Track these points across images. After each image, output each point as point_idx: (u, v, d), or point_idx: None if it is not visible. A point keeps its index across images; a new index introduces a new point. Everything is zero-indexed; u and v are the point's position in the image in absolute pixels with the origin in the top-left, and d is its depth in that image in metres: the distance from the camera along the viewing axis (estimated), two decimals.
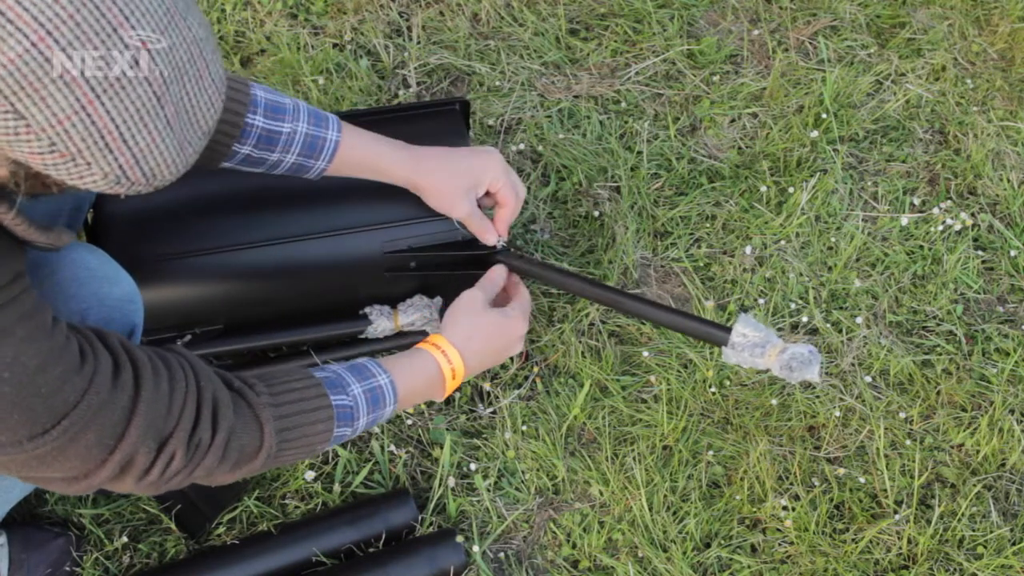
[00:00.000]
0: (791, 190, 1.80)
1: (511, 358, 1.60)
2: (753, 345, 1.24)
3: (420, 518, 1.47)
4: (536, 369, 1.62)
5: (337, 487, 1.50)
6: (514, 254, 1.47)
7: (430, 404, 1.58)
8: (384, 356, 1.25)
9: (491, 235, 1.41)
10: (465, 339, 1.30)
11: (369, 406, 1.18)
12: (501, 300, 1.41)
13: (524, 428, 1.57)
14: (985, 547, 1.52)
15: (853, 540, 1.51)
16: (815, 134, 1.86)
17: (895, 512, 1.53)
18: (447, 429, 1.56)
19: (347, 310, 1.50)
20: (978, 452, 1.60)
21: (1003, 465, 1.60)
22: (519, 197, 1.42)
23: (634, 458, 1.55)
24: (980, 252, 1.80)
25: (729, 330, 1.26)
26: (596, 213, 1.77)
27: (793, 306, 1.70)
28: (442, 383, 1.27)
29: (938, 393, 1.65)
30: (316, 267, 1.42)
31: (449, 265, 1.46)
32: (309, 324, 1.49)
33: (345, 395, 1.16)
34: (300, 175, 1.31)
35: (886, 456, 1.57)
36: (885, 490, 1.55)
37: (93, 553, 1.42)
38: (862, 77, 1.95)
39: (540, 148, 1.83)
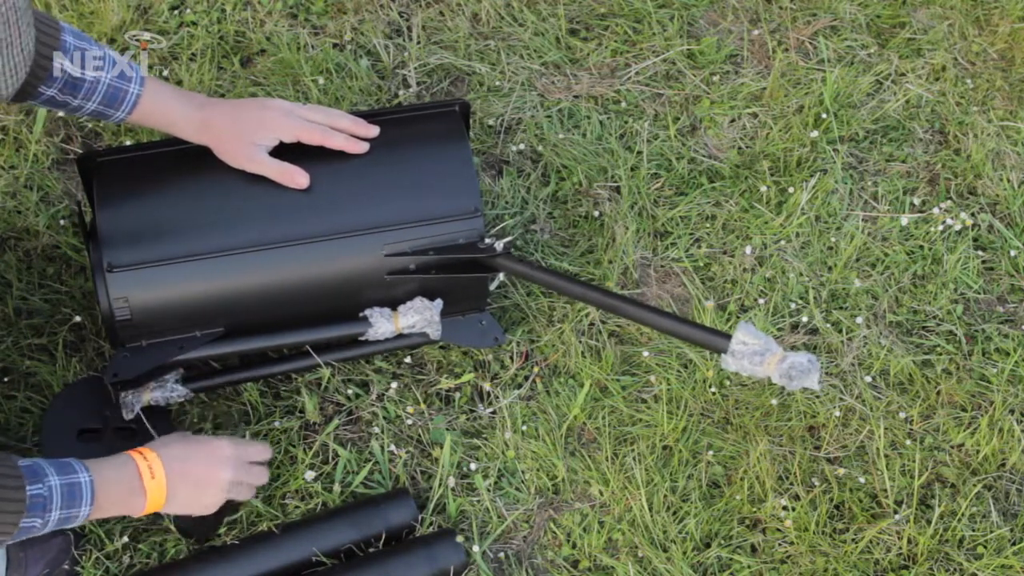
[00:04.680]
0: (791, 190, 1.80)
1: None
2: (753, 353, 1.24)
3: (420, 518, 1.47)
4: (536, 369, 1.62)
5: (337, 487, 1.50)
6: (513, 257, 1.47)
7: (429, 404, 1.58)
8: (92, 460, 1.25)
9: (300, 178, 1.40)
10: (165, 446, 1.31)
11: (64, 500, 1.18)
12: None
13: (524, 428, 1.57)
14: (985, 547, 1.52)
15: (853, 540, 1.51)
16: (815, 134, 1.86)
17: (895, 512, 1.53)
18: (447, 429, 1.56)
19: (348, 313, 1.49)
20: (978, 452, 1.60)
21: (1003, 465, 1.60)
22: (327, 125, 1.42)
23: (634, 458, 1.55)
24: (980, 252, 1.80)
25: (729, 337, 1.27)
26: (596, 213, 1.77)
27: (793, 306, 1.70)
28: (140, 482, 1.26)
29: (938, 393, 1.65)
30: (317, 270, 1.42)
31: (450, 268, 1.46)
32: (310, 327, 1.49)
33: (41, 484, 1.15)
34: (101, 119, 1.37)
35: (886, 456, 1.57)
36: (885, 490, 1.55)
37: (93, 553, 1.42)
38: (862, 77, 1.95)
39: (540, 148, 1.83)
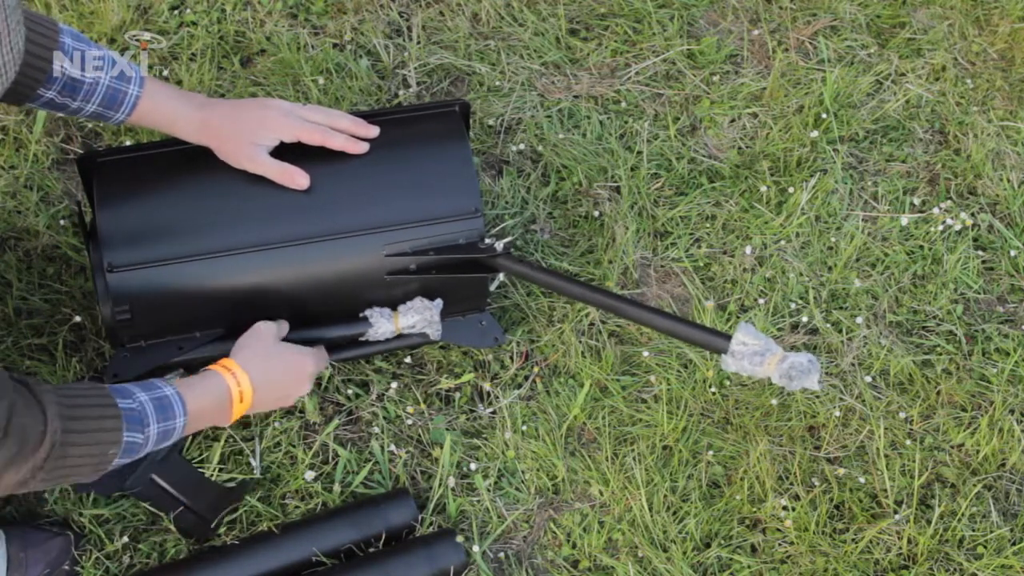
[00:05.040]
0: (791, 190, 1.80)
1: (502, 353, 1.60)
2: (753, 353, 1.24)
3: (420, 518, 1.47)
4: (536, 369, 1.62)
5: (337, 487, 1.50)
6: (514, 257, 1.47)
7: (429, 404, 1.58)
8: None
9: (300, 178, 1.40)
10: (250, 362, 1.34)
11: (157, 414, 1.21)
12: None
13: (524, 428, 1.57)
14: (985, 547, 1.52)
15: (853, 540, 1.51)
16: (815, 134, 1.86)
17: (895, 512, 1.53)
18: (447, 429, 1.56)
19: (348, 313, 1.49)
20: (978, 452, 1.60)
21: (1003, 465, 1.60)
22: (327, 126, 1.42)
23: (634, 458, 1.55)
24: (980, 252, 1.80)
25: (729, 338, 1.27)
26: (596, 213, 1.77)
27: (793, 306, 1.70)
28: (230, 403, 1.31)
29: (938, 393, 1.65)
30: (318, 271, 1.42)
31: (450, 268, 1.46)
32: (310, 326, 1.49)
33: (131, 400, 1.19)
34: (101, 121, 1.38)
35: (886, 456, 1.57)
36: (885, 490, 1.55)
37: (93, 553, 1.42)
38: (862, 77, 1.95)
39: (540, 148, 1.83)
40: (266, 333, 1.39)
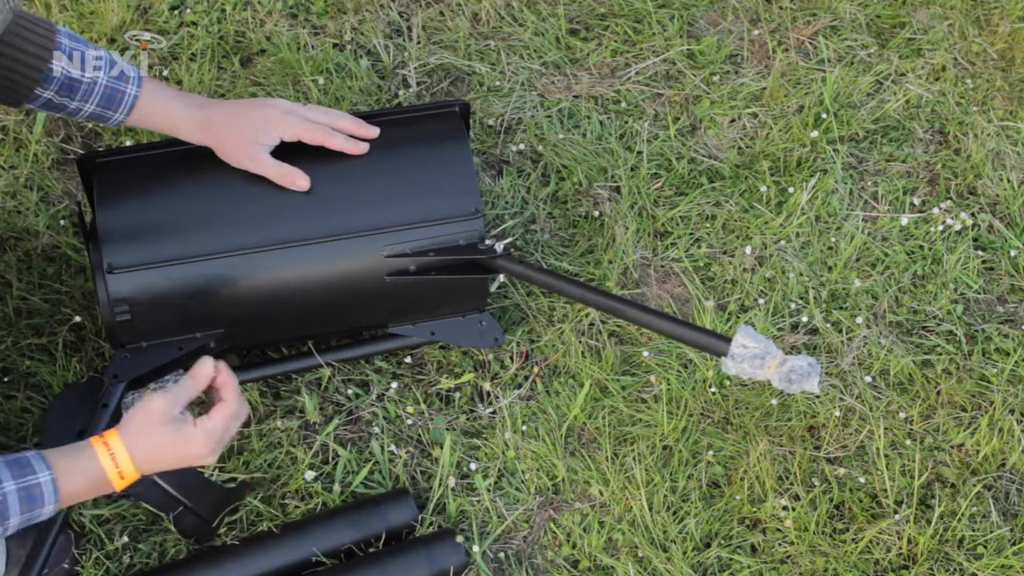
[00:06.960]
0: (791, 190, 1.80)
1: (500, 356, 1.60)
2: (753, 356, 1.24)
3: (420, 518, 1.47)
4: (536, 369, 1.62)
5: (337, 487, 1.50)
6: (514, 258, 1.47)
7: (429, 404, 1.58)
8: (53, 449, 1.16)
9: (300, 180, 1.39)
10: (135, 441, 1.18)
11: (23, 504, 1.10)
12: (213, 400, 1.25)
13: (524, 428, 1.57)
14: (985, 547, 1.52)
15: (853, 540, 1.51)
16: (815, 134, 1.86)
17: (895, 512, 1.53)
18: (447, 429, 1.56)
19: (348, 314, 1.49)
20: (978, 452, 1.60)
21: (1003, 465, 1.60)
22: (328, 125, 1.41)
23: (634, 458, 1.55)
24: (980, 252, 1.80)
25: (729, 340, 1.27)
26: (596, 213, 1.77)
27: (793, 306, 1.70)
28: (109, 484, 1.17)
29: (938, 393, 1.65)
30: (318, 271, 1.42)
31: (450, 269, 1.45)
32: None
33: None
34: (99, 122, 1.37)
35: (886, 456, 1.57)
36: (885, 490, 1.55)
37: (93, 553, 1.42)
38: (862, 77, 1.95)
39: (540, 148, 1.83)
40: (150, 413, 1.19)
